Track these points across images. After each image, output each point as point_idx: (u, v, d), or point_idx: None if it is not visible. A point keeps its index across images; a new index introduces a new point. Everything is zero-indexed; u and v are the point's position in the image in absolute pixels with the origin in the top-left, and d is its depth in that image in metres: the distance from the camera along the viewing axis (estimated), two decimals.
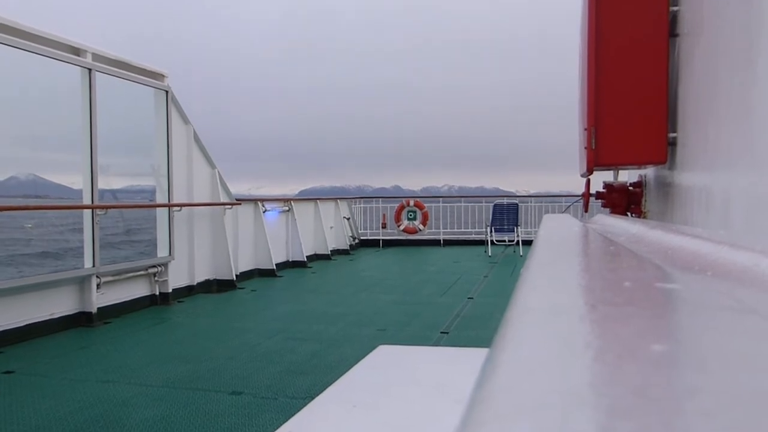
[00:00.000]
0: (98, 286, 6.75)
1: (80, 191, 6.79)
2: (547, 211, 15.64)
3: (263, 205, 11.06)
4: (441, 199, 17.01)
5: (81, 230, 6.77)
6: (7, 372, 4.84)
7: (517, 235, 13.79)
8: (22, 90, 6.35)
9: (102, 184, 6.94)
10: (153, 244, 8.00)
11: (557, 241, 1.39)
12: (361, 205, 16.81)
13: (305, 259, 12.01)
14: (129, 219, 7.98)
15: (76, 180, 6.76)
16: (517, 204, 14.34)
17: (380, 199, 17.07)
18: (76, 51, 6.63)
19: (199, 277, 8.88)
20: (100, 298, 6.78)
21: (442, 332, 6.07)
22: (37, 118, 6.58)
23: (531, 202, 16.60)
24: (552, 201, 17.06)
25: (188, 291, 8.59)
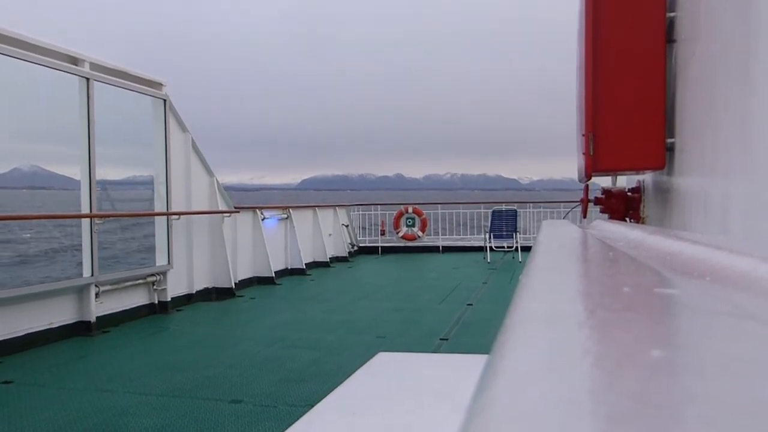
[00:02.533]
0: (97, 295, 6.74)
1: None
2: (545, 217, 15.65)
3: (262, 213, 11.06)
4: (440, 205, 17.02)
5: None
6: (6, 382, 4.82)
7: (516, 241, 13.78)
8: (26, 90, 6.39)
9: (100, 186, 6.94)
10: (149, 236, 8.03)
11: (556, 247, 1.39)
12: (360, 212, 16.81)
13: (304, 267, 11.99)
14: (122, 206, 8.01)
15: (77, 171, 6.77)
16: (515, 210, 14.34)
17: (379, 206, 17.07)
18: (74, 60, 6.64)
19: (198, 286, 8.86)
20: (98, 307, 6.76)
21: (441, 339, 6.06)
22: (40, 116, 6.63)
23: (529, 208, 16.61)
24: (551, 207, 17.09)
25: (187, 299, 8.57)
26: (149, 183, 8.14)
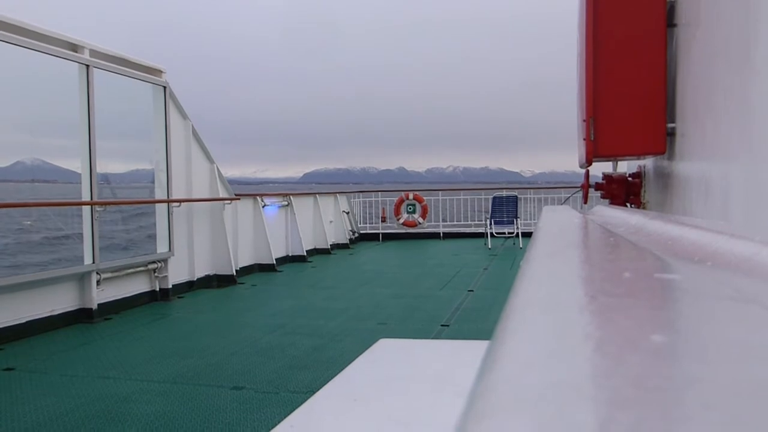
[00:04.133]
0: (98, 282, 6.76)
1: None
2: (546, 203, 15.64)
3: (262, 200, 11.06)
4: (440, 192, 17.01)
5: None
6: (8, 369, 4.84)
7: (517, 227, 13.79)
8: (27, 80, 6.36)
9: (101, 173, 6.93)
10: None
11: (557, 233, 1.39)
12: (361, 199, 16.80)
13: (305, 254, 12.01)
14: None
15: (80, 165, 6.76)
16: (516, 196, 14.33)
17: (380, 193, 17.05)
18: (74, 47, 6.61)
19: (199, 273, 8.88)
20: (100, 295, 6.78)
21: (442, 325, 6.08)
22: (42, 107, 6.61)
23: (530, 194, 16.60)
24: (551, 193, 17.07)
25: (188, 286, 8.59)
26: (151, 174, 8.13)
